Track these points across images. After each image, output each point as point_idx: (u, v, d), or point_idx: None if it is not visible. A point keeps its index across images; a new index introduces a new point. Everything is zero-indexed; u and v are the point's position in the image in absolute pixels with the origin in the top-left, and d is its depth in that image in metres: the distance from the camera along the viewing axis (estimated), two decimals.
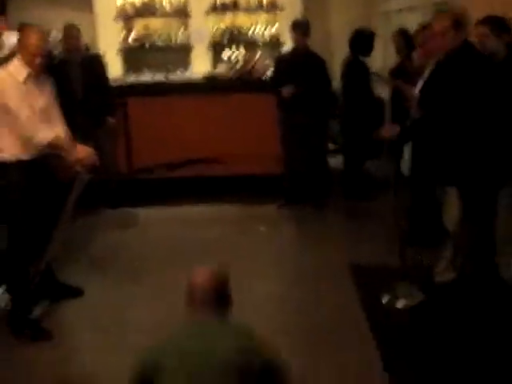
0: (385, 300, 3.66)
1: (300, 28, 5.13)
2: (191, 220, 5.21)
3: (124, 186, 5.47)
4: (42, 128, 3.22)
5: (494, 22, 3.35)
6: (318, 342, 3.24)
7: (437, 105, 3.23)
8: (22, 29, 3.36)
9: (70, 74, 5.10)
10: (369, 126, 5.67)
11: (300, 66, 5.09)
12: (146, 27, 7.20)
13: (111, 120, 5.38)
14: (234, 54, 6.20)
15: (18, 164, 3.25)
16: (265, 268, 4.23)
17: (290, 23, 5.35)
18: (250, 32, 6.96)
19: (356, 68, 5.41)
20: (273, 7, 6.97)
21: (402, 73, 5.06)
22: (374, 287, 3.86)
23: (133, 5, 7.05)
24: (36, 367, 3.04)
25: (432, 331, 3.30)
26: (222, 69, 6.10)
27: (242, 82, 5.76)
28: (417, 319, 3.46)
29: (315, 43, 5.54)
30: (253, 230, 4.93)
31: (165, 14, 7.13)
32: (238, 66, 5.89)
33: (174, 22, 7.22)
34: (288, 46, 6.30)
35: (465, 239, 3.46)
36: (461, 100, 3.08)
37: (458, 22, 3.15)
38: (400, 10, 6.75)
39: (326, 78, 5.27)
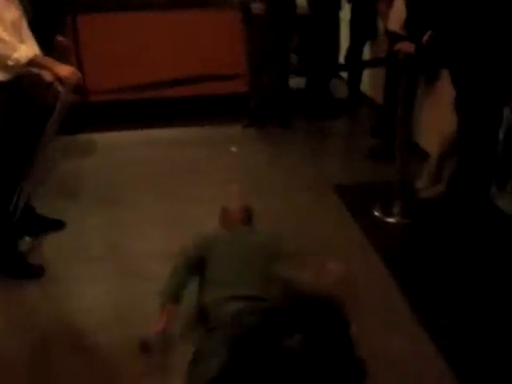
0: (378, 215, 3.73)
1: None
2: (158, 143, 4.98)
3: (79, 111, 5.09)
4: (18, 44, 2.87)
5: None
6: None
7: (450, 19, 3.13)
8: None
9: None
10: (332, 45, 5.61)
11: None
12: None
13: (61, 39, 4.91)
14: None
15: None
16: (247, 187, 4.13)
17: None
18: None
19: None
20: None
21: None
22: (357, 200, 3.94)
23: None
24: (40, 304, 2.87)
25: (427, 242, 3.41)
26: None
27: None
28: (412, 232, 3.54)
29: None
30: (224, 150, 4.79)
31: None
32: None
33: None
34: None
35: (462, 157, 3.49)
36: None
37: None
38: None
39: None
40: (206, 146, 4.88)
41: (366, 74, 5.88)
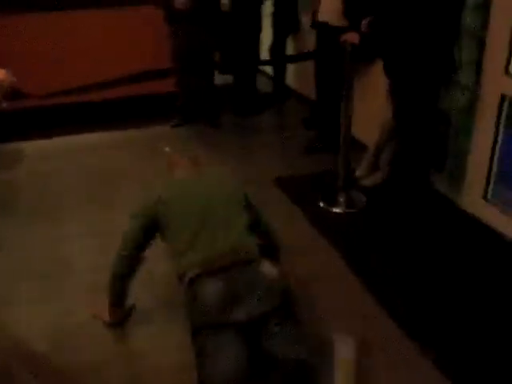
0: (323, 206, 3.75)
1: None
2: (89, 149, 4.75)
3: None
4: None
5: None
6: None
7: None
8: None
9: None
10: (254, 40, 5.59)
11: None
12: None
13: None
14: None
15: None
16: None
17: None
18: None
19: None
20: None
21: None
22: (300, 193, 3.95)
23: None
24: None
25: (375, 228, 3.48)
26: None
27: None
28: (359, 220, 3.59)
29: None
30: (157, 152, 4.64)
31: None
32: None
33: None
34: None
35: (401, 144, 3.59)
36: None
37: None
38: None
39: None
40: (139, 148, 4.73)
41: (290, 68, 5.93)
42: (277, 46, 5.70)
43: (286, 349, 1.98)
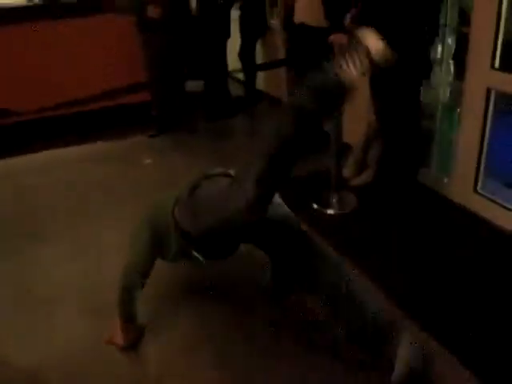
0: (317, 207, 3.74)
1: None
2: (65, 164, 4.59)
3: None
4: None
5: None
6: None
7: None
8: None
9: None
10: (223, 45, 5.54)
11: None
12: None
13: None
14: None
15: None
16: None
17: None
18: None
19: None
20: None
21: None
22: (289, 195, 3.84)
23: None
24: None
25: (370, 226, 3.47)
26: None
27: (88, 3, 5.02)
28: (355, 220, 3.59)
29: None
30: (136, 163, 4.56)
31: None
32: None
33: None
34: None
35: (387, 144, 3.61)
36: None
37: None
38: None
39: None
40: (117, 161, 4.60)
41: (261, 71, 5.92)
42: (246, 51, 5.67)
43: None
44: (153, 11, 4.55)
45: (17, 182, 4.30)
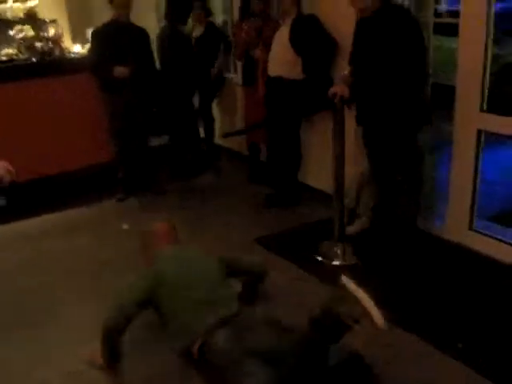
0: (322, 259, 3.67)
1: None
2: (30, 238, 4.21)
3: None
4: None
5: None
6: None
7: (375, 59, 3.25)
8: None
9: None
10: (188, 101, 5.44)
11: (125, 40, 4.47)
12: None
13: None
14: (19, 31, 4.97)
15: None
16: None
17: None
18: None
19: (178, 40, 5.08)
20: None
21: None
22: (289, 249, 3.83)
23: None
24: None
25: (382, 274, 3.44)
26: (8, 50, 4.87)
27: (44, 64, 4.75)
28: (364, 270, 3.54)
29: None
30: (113, 230, 4.28)
31: None
32: (32, 45, 4.76)
33: None
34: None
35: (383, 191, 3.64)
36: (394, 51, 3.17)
37: None
38: None
39: (151, 53, 4.79)
40: (92, 229, 4.31)
41: (217, 125, 5.86)
42: (204, 107, 5.62)
43: None
44: (120, 71, 4.37)
45: None
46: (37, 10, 5.95)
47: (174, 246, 2.98)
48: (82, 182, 4.87)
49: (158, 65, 5.08)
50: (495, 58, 3.64)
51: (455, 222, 3.72)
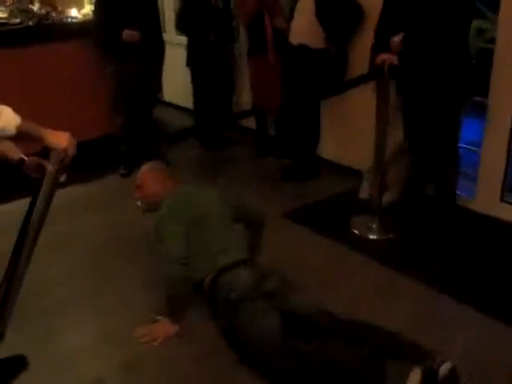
0: (358, 233, 3.59)
1: None
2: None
3: None
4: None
5: None
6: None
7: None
8: None
9: None
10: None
11: (134, 4, 4.15)
12: None
13: None
14: None
15: None
16: None
17: None
18: None
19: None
20: None
21: None
22: (320, 222, 3.74)
23: None
24: None
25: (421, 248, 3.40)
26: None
27: (43, 29, 4.35)
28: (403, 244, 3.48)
29: None
30: (127, 208, 4.01)
31: None
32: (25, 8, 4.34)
33: None
34: None
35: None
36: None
37: None
38: None
39: (159, 20, 4.49)
40: (102, 207, 4.05)
41: None
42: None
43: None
44: (130, 35, 4.07)
45: None
46: None
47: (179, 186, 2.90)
48: (82, 156, 4.54)
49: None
50: None
51: (486, 194, 3.71)
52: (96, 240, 3.59)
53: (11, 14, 4.41)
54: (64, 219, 3.77)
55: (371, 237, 3.55)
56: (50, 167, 2.14)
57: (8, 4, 4.53)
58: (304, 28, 4.04)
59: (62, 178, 2.20)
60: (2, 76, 4.09)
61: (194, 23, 4.75)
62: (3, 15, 4.45)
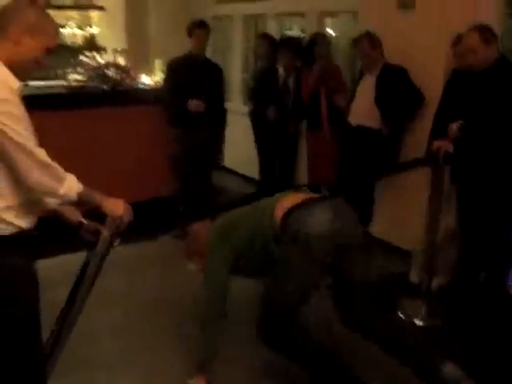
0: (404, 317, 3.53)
1: (203, 27, 4.43)
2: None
3: None
4: (62, 172, 2.05)
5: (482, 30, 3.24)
6: None
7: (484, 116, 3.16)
8: None
9: None
10: None
11: (201, 75, 4.43)
12: None
13: None
14: (91, 58, 4.93)
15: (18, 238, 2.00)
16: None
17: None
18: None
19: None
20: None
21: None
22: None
23: None
24: None
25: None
26: (77, 76, 4.81)
27: (117, 93, 4.68)
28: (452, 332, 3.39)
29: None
30: (179, 269, 4.11)
31: None
32: (102, 73, 4.69)
33: None
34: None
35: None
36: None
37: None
38: None
39: (223, 90, 4.73)
40: (155, 267, 4.16)
41: None
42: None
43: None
44: (195, 105, 4.29)
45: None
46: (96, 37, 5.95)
47: None
48: (140, 216, 4.72)
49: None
50: None
51: None
52: (145, 299, 3.69)
53: (89, 78, 4.74)
54: (117, 276, 3.89)
55: (417, 322, 3.48)
56: (106, 232, 2.25)
57: (86, 68, 4.85)
58: (364, 110, 4.16)
59: (116, 243, 2.31)
60: (73, 134, 4.40)
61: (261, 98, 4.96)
62: (83, 78, 4.78)
